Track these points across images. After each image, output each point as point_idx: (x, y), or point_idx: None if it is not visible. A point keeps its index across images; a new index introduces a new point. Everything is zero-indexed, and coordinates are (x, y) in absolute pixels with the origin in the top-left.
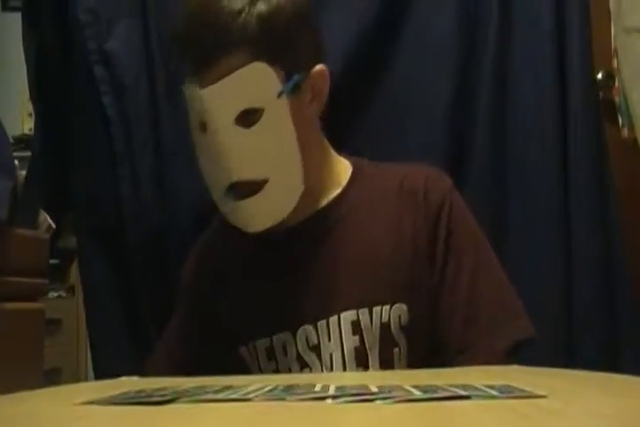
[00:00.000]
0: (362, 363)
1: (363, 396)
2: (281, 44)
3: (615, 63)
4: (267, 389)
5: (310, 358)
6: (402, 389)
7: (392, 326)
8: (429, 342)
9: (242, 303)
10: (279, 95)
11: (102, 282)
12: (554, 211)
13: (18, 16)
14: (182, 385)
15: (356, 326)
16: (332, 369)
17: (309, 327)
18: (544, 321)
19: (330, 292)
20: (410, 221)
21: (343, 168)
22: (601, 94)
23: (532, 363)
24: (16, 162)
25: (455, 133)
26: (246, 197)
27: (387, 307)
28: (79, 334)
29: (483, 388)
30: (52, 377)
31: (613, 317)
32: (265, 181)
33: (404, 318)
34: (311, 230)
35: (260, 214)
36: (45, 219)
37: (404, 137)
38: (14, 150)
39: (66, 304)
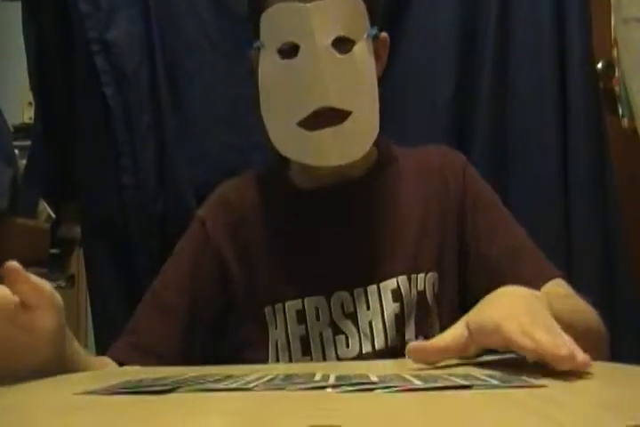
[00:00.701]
0: (399, 330)
1: (363, 385)
2: None
3: (615, 53)
4: (267, 378)
5: (346, 325)
6: (402, 378)
7: (427, 295)
8: (456, 312)
9: (274, 259)
10: (367, 37)
11: (106, 271)
12: (554, 204)
13: (18, 5)
14: (183, 374)
15: (396, 294)
16: (371, 336)
17: (345, 294)
18: None
19: (369, 260)
20: (437, 193)
21: None
22: (601, 84)
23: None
24: (16, 151)
25: (456, 129)
26: (326, 127)
27: (422, 275)
28: (79, 324)
29: (483, 377)
30: None
31: (613, 317)
32: (348, 114)
33: (437, 287)
34: (352, 196)
35: (336, 147)
36: (45, 208)
37: (405, 135)
38: (14, 139)
39: (66, 294)
